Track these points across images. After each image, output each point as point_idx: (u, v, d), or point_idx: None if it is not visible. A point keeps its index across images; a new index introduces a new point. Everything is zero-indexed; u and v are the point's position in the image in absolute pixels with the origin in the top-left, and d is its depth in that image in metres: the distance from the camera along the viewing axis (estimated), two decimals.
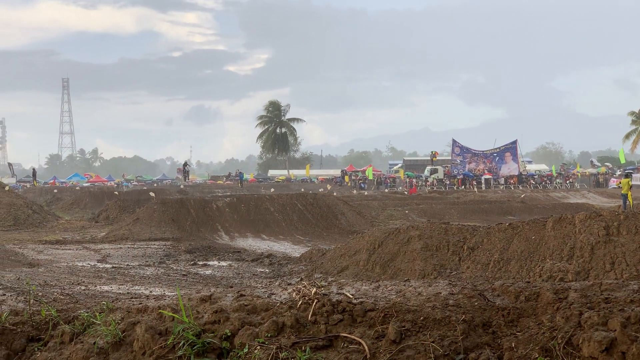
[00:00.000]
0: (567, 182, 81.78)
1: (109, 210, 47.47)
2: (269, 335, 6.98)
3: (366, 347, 6.61)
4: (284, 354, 6.65)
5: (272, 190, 67.81)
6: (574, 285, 7.68)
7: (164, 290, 17.00)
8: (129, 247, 28.96)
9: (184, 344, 7.02)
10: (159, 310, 7.81)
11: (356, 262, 20.49)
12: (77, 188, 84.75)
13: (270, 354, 6.68)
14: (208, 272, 21.94)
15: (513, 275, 17.19)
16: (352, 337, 6.81)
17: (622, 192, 39.74)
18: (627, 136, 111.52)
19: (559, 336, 6.32)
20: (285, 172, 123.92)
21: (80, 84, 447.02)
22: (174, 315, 7.50)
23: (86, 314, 8.40)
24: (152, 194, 57.04)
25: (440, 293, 7.55)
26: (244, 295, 8.02)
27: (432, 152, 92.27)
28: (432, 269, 18.69)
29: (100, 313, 8.42)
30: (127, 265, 23.09)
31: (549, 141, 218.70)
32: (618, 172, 74.80)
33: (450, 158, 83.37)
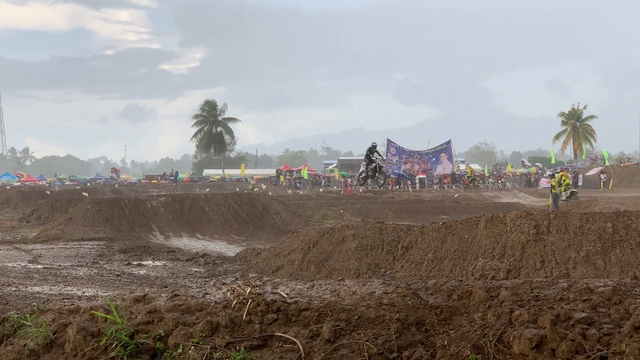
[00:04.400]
0: (499, 181, 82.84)
1: (41, 210, 46.75)
2: (203, 335, 6.94)
3: (301, 347, 6.63)
4: (218, 354, 6.62)
5: (207, 189, 67.46)
6: (505, 283, 7.80)
7: (97, 291, 16.78)
8: (61, 248, 28.52)
9: (116, 345, 6.94)
10: (91, 311, 7.72)
11: (291, 261, 20.50)
12: (8, 187, 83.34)
13: (204, 354, 6.65)
14: (142, 272, 21.74)
15: (446, 274, 17.37)
16: (287, 336, 6.81)
17: (553, 191, 40.44)
18: (557, 137, 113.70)
19: (491, 334, 6.41)
20: (220, 171, 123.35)
21: (10, 81, 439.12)
22: (106, 316, 7.42)
23: (16, 316, 8.25)
24: (85, 193, 56.26)
25: (375, 292, 7.60)
26: (178, 295, 7.97)
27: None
28: (366, 268, 18.78)
29: (31, 314, 8.28)
30: (59, 265, 22.72)
31: (482, 141, 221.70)
32: (548, 172, 76.01)
33: (385, 158, 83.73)
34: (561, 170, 72.72)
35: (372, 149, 40.52)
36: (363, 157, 41.60)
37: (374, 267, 18.85)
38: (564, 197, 53.03)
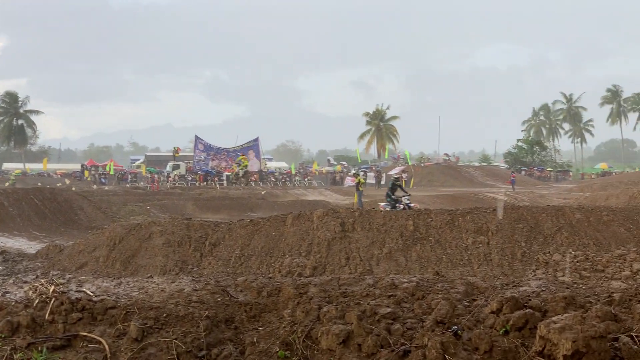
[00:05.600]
0: (305, 179, 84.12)
1: None
2: (2, 336, 6.65)
3: (106, 346, 6.47)
4: (19, 355, 6.36)
5: (7, 184, 64.75)
6: (314, 280, 7.92)
7: None
8: None
9: None
10: None
11: (96, 258, 20.01)
12: None
13: (3, 355, 6.37)
14: None
15: (254, 271, 17.46)
16: (92, 336, 6.64)
17: (360, 188, 41.47)
18: (362, 136, 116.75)
19: (299, 330, 6.49)
20: (21, 165, 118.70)
21: None
22: None
23: None
24: None
25: (184, 289, 7.53)
26: None
27: (174, 147, 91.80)
28: (173, 264, 18.61)
29: None
30: None
31: (289, 139, 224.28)
32: (353, 171, 77.88)
33: (193, 154, 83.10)
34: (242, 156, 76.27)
35: (394, 184, 31.59)
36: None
37: (181, 263, 18.70)
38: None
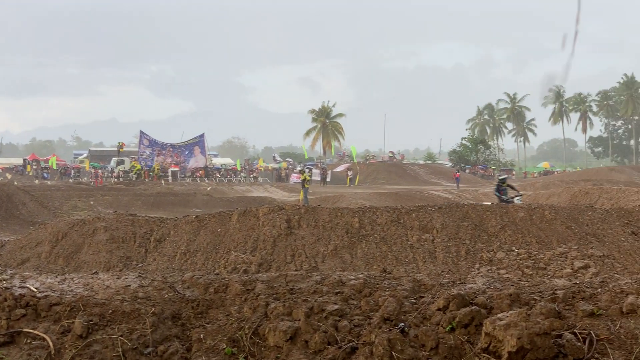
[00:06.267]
0: (251, 176, 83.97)
1: None
2: None
3: (50, 343, 6.40)
4: None
5: None
6: (261, 276, 7.91)
7: None
8: None
9: None
10: None
11: (38, 254, 19.74)
12: None
13: None
14: None
15: (199, 267, 17.39)
16: (36, 332, 6.56)
17: (306, 185, 41.53)
18: (308, 133, 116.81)
19: (247, 327, 6.48)
20: None
21: None
22: None
23: None
24: None
25: (130, 285, 7.47)
26: None
27: (118, 143, 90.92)
28: (117, 261, 18.44)
29: None
30: None
31: (235, 135, 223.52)
32: (299, 168, 77.88)
33: (138, 149, 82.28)
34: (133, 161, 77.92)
35: (501, 185, 30.95)
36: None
37: (125, 259, 18.54)
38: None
